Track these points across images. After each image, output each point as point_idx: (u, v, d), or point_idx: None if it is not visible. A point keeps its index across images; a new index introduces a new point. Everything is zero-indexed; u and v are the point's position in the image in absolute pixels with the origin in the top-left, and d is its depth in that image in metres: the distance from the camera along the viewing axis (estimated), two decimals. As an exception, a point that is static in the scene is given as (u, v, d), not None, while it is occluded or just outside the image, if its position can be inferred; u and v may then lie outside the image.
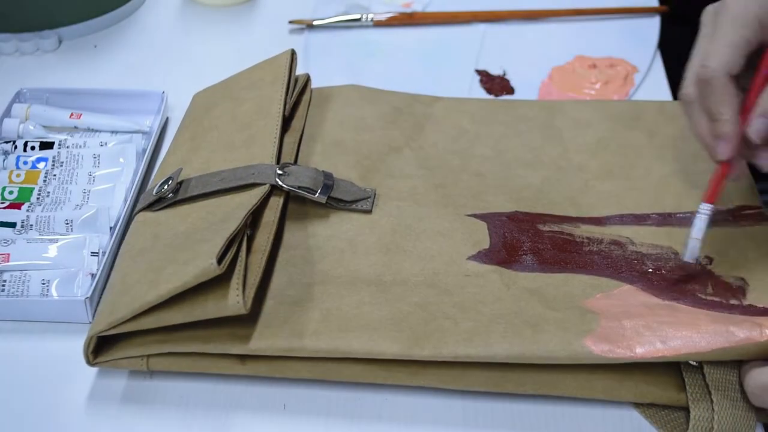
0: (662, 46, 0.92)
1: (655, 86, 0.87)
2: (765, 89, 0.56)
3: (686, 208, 0.67)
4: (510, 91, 0.86)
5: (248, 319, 0.58)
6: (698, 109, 0.60)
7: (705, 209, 0.60)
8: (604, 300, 0.60)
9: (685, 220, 0.65)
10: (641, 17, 0.95)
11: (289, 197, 0.67)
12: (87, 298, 0.63)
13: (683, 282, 0.61)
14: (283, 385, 0.60)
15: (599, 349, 0.56)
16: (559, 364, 0.57)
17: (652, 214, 0.67)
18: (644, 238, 0.65)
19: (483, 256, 0.64)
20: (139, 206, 0.67)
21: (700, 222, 0.60)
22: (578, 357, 0.56)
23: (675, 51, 0.92)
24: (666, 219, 0.66)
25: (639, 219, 0.67)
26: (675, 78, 0.87)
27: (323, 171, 0.68)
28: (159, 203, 0.66)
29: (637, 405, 0.58)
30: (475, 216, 0.67)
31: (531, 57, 0.90)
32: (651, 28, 0.94)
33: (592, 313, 0.58)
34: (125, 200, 0.71)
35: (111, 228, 0.69)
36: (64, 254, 0.65)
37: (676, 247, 0.64)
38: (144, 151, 0.77)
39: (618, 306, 0.59)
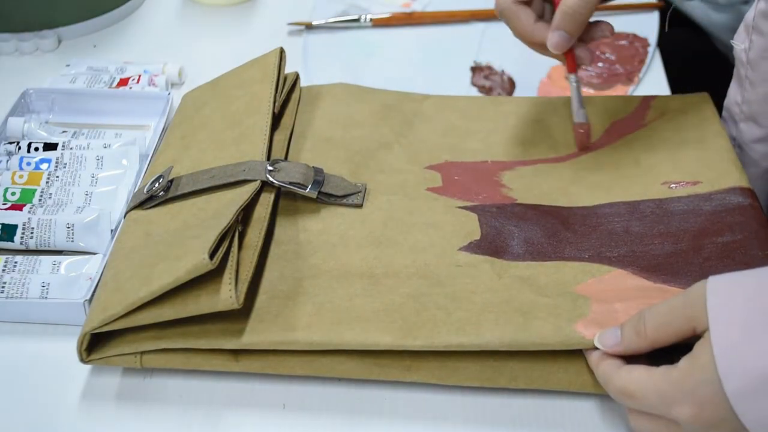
0: (662, 46, 0.92)
1: (655, 85, 0.87)
2: (558, 10, 0.67)
3: (677, 194, 0.67)
4: (510, 90, 0.86)
5: (241, 314, 0.58)
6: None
7: (573, 79, 0.72)
8: (596, 285, 0.60)
9: (678, 203, 0.66)
10: (640, 14, 0.95)
11: (280, 193, 0.67)
12: (86, 300, 0.63)
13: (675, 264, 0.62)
14: (282, 384, 0.60)
15: (591, 333, 0.56)
16: (552, 354, 0.57)
17: (645, 200, 0.67)
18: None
19: (474, 247, 0.64)
20: (131, 205, 0.67)
21: (575, 89, 0.72)
22: (570, 342, 0.56)
23: (675, 51, 0.92)
24: (658, 205, 0.67)
25: (631, 207, 0.67)
26: (675, 77, 0.88)
27: (313, 167, 0.68)
28: (150, 201, 0.66)
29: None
30: (465, 208, 0.67)
31: (530, 56, 0.90)
32: (650, 26, 0.93)
33: (583, 298, 0.59)
34: (128, 203, 0.71)
35: (112, 231, 0.69)
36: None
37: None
38: (147, 153, 0.76)
39: (610, 290, 0.59)
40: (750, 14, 0.68)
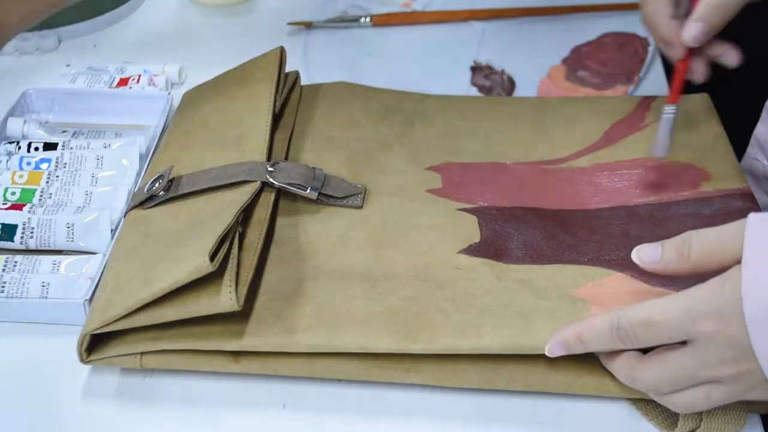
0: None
1: (655, 85, 0.87)
2: (705, 1, 0.63)
3: (678, 197, 0.67)
4: (510, 90, 0.86)
5: (241, 316, 0.58)
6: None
7: (669, 110, 0.67)
8: (595, 288, 0.60)
9: (677, 207, 0.66)
10: (640, 14, 0.95)
11: (280, 194, 0.67)
12: (86, 300, 0.63)
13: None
14: (282, 384, 0.60)
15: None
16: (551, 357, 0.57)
17: (643, 203, 0.67)
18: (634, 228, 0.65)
19: (474, 250, 0.64)
20: (131, 204, 0.67)
21: (667, 121, 0.67)
22: None
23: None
24: (658, 209, 0.67)
25: (630, 210, 0.67)
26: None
27: (314, 167, 0.68)
28: (150, 201, 0.66)
29: (630, 398, 0.58)
30: (465, 210, 0.67)
31: (530, 55, 0.90)
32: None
33: (582, 302, 0.59)
34: (128, 203, 0.70)
35: (112, 231, 0.69)
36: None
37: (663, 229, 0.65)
38: (147, 153, 0.76)
39: (609, 294, 0.59)
40: None
